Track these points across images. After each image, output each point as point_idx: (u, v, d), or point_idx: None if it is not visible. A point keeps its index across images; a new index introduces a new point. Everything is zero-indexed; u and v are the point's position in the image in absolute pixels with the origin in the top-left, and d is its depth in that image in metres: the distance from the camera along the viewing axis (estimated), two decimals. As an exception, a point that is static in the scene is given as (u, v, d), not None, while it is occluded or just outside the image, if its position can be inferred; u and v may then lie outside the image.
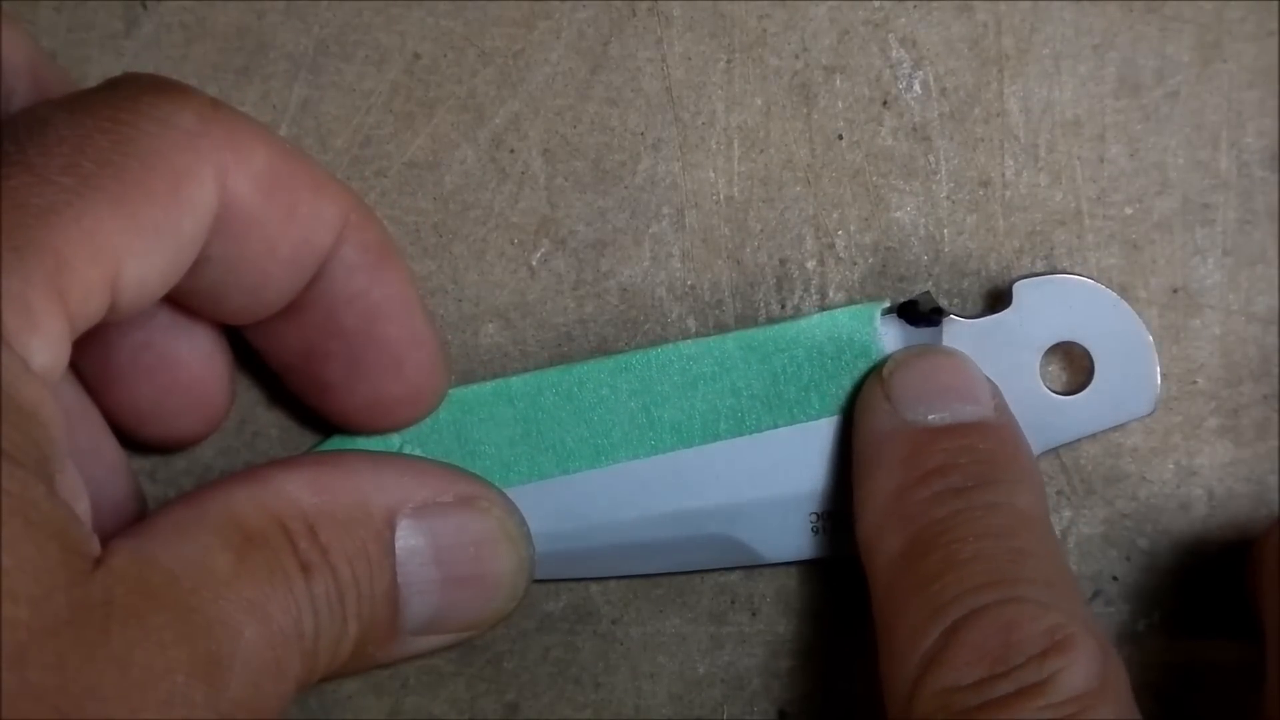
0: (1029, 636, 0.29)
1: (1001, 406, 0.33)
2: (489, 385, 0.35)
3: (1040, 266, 0.35)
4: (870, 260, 0.36)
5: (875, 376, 0.34)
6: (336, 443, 0.35)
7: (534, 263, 0.36)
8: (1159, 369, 0.34)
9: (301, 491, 0.29)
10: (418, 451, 0.34)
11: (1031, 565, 0.30)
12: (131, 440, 0.33)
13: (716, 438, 0.35)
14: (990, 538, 0.30)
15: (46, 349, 0.25)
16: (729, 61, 0.35)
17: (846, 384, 0.34)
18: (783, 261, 0.36)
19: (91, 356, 0.32)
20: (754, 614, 0.36)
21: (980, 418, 0.33)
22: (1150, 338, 0.34)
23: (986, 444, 0.32)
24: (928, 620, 0.30)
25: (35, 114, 0.27)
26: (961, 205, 0.35)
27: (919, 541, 0.31)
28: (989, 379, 0.34)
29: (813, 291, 0.36)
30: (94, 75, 0.35)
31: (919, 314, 0.34)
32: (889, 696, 0.30)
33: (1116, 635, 0.36)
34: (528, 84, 0.35)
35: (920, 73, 0.35)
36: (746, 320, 0.36)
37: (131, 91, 0.28)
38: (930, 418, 0.33)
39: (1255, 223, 0.35)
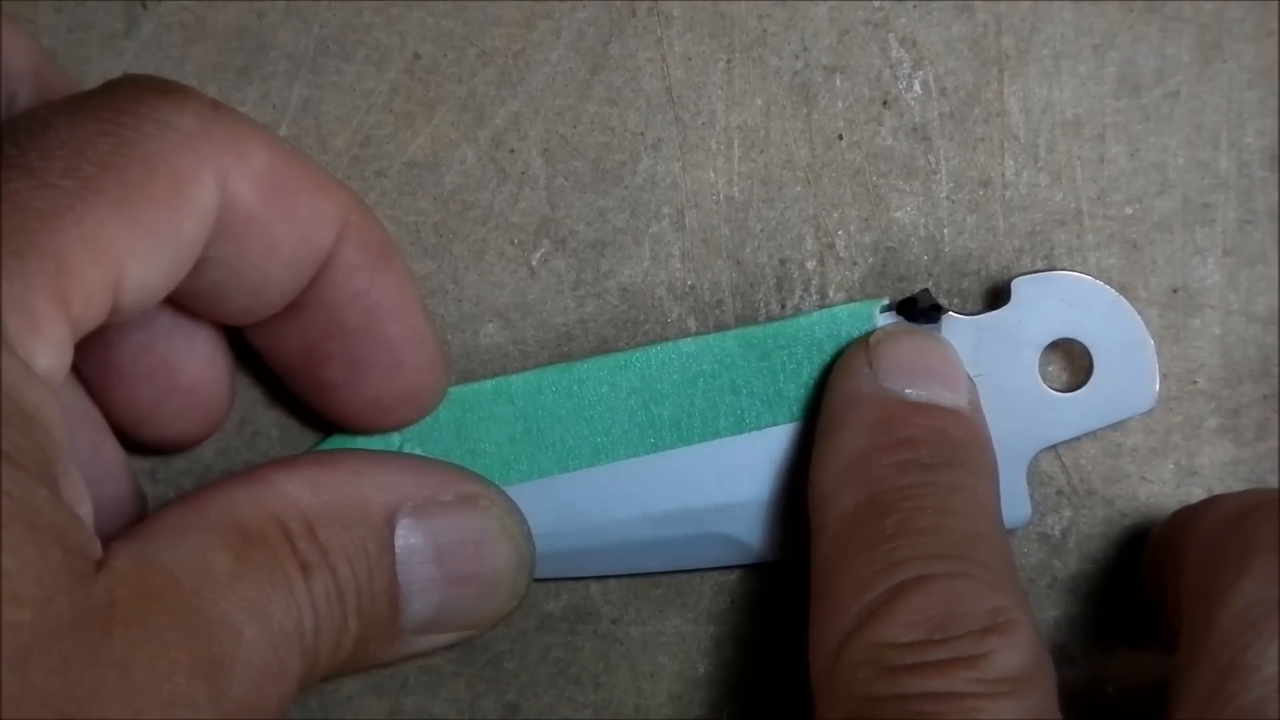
0: (973, 612, 0.29)
1: (976, 404, 0.33)
2: (489, 384, 0.35)
3: (1040, 266, 0.35)
4: (870, 260, 0.36)
5: (860, 343, 0.34)
6: (336, 442, 0.35)
7: (534, 263, 0.36)
8: (1158, 365, 0.34)
9: (301, 491, 0.29)
10: (418, 450, 0.34)
11: (985, 550, 0.30)
12: (131, 441, 0.33)
13: (716, 435, 0.35)
14: (950, 515, 0.30)
15: (49, 352, 0.25)
16: (729, 61, 0.35)
17: None
18: (783, 261, 0.36)
19: (92, 358, 0.32)
20: (754, 614, 0.36)
21: (955, 405, 0.33)
22: (1149, 334, 0.34)
23: (958, 430, 0.32)
24: (875, 576, 0.30)
25: (36, 117, 0.27)
26: (961, 205, 0.35)
27: (877, 501, 0.31)
28: (970, 377, 0.34)
29: (813, 291, 0.36)
30: (94, 75, 0.35)
31: (918, 311, 0.34)
32: (816, 647, 0.30)
33: (1115, 635, 0.36)
34: (528, 84, 0.35)
35: (920, 73, 0.35)
36: (746, 320, 0.36)
37: (132, 94, 0.28)
38: (908, 391, 0.33)
39: (1255, 223, 0.35)
